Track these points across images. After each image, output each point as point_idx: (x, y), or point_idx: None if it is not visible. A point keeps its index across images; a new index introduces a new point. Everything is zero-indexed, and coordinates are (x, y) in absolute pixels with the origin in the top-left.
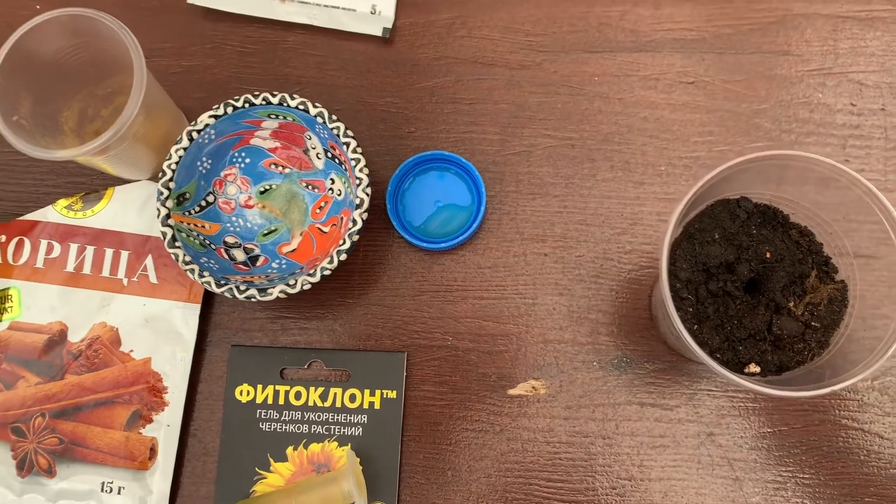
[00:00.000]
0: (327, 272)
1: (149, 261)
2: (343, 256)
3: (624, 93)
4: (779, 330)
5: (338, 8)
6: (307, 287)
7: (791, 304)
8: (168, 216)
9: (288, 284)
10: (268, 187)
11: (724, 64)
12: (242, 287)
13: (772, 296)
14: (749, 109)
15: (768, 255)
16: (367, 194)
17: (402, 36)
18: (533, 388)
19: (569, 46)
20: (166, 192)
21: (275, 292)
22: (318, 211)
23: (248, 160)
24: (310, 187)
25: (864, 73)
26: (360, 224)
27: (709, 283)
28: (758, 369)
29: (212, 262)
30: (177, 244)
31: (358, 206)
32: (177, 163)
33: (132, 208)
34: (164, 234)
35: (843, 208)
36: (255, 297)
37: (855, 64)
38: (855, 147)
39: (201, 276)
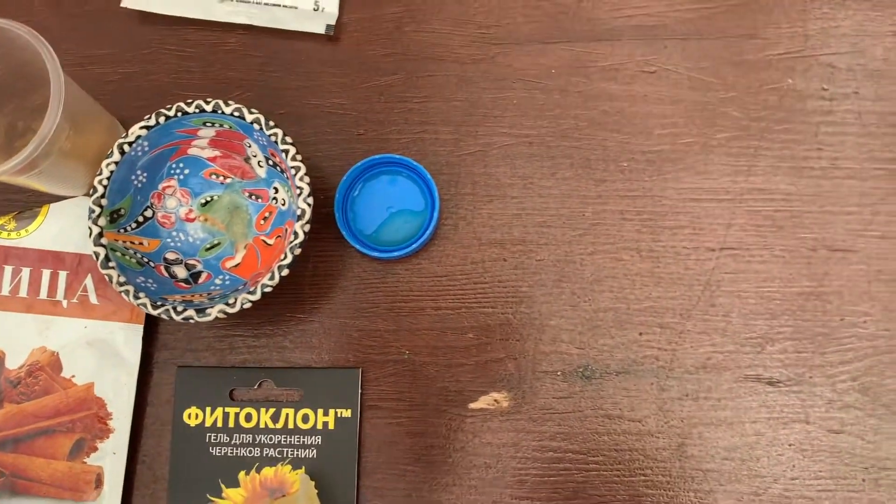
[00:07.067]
0: (268, 289)
1: (88, 281)
2: (285, 272)
3: (583, 85)
4: None
5: (278, 6)
6: (247, 306)
7: None
8: (101, 235)
9: (227, 304)
10: (209, 199)
11: (688, 51)
12: (180, 308)
13: None
14: (716, 98)
15: None
16: (309, 205)
17: (348, 33)
18: (495, 400)
19: (523, 38)
20: (98, 210)
21: (213, 312)
22: (262, 222)
23: (186, 171)
24: (253, 197)
25: (836, 56)
26: (301, 237)
27: None
28: None
29: (150, 281)
30: (110, 264)
31: (300, 218)
32: (108, 178)
33: (69, 226)
34: (97, 255)
35: None
36: (192, 319)
37: (825, 46)
38: (828, 134)
39: (136, 297)
